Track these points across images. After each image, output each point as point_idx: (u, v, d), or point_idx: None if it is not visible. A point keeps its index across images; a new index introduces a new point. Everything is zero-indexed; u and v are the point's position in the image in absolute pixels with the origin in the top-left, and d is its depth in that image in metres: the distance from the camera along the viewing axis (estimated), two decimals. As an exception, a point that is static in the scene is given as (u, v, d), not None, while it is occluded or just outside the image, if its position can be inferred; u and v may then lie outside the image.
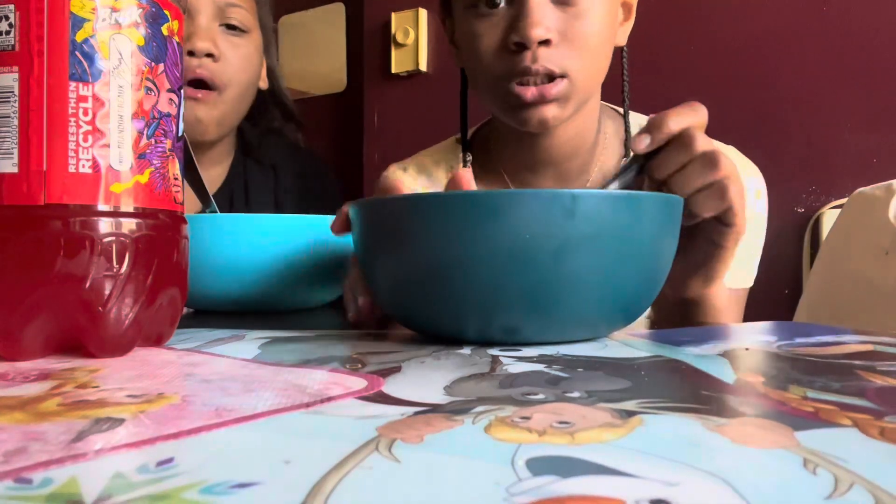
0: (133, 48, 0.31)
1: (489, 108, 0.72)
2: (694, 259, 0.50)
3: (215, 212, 0.59)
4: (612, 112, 0.80)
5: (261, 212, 0.88)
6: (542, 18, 0.62)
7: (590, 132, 0.74)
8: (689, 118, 0.46)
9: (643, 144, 0.46)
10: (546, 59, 0.63)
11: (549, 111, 0.65)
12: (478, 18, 0.66)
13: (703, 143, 0.45)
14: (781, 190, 0.45)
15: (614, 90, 0.75)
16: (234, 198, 0.89)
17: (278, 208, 0.92)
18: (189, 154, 0.55)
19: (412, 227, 0.32)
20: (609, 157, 0.76)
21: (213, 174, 0.88)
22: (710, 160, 0.44)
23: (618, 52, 0.72)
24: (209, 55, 0.78)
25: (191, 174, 0.56)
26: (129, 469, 0.15)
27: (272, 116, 0.94)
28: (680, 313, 0.54)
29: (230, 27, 0.81)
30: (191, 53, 0.77)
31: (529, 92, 0.64)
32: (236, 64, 0.81)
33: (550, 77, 0.63)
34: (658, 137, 0.45)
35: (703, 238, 0.48)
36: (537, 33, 0.62)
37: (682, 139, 0.45)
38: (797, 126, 1.20)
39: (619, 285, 0.33)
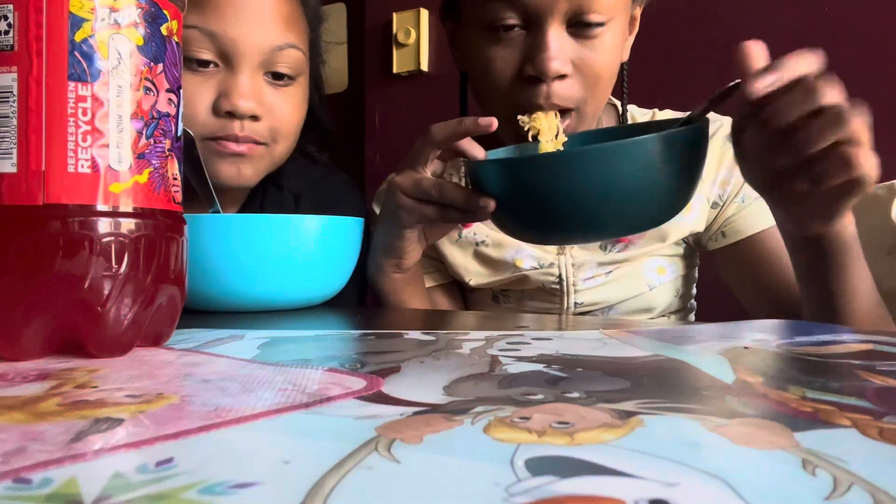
0: (132, 48, 0.31)
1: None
2: (812, 205, 0.46)
3: (219, 212, 0.59)
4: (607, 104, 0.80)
5: None
6: (560, 51, 0.60)
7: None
8: (812, 63, 0.40)
9: (761, 84, 0.39)
10: (559, 96, 0.61)
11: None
12: (491, 41, 0.63)
13: (831, 94, 0.39)
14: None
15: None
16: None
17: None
18: (197, 154, 0.55)
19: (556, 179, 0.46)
20: None
21: (239, 194, 0.77)
22: (837, 117, 0.39)
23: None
24: (253, 116, 0.65)
25: (198, 175, 0.56)
26: (129, 469, 0.15)
27: (307, 140, 0.79)
28: (806, 250, 0.52)
29: (278, 76, 0.66)
30: (230, 114, 0.64)
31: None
32: (287, 115, 0.68)
33: (560, 110, 0.62)
34: (780, 79, 0.40)
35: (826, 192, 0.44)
36: (555, 67, 0.60)
37: (804, 86, 0.40)
38: (797, 126, 1.19)
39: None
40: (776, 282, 0.69)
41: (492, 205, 0.50)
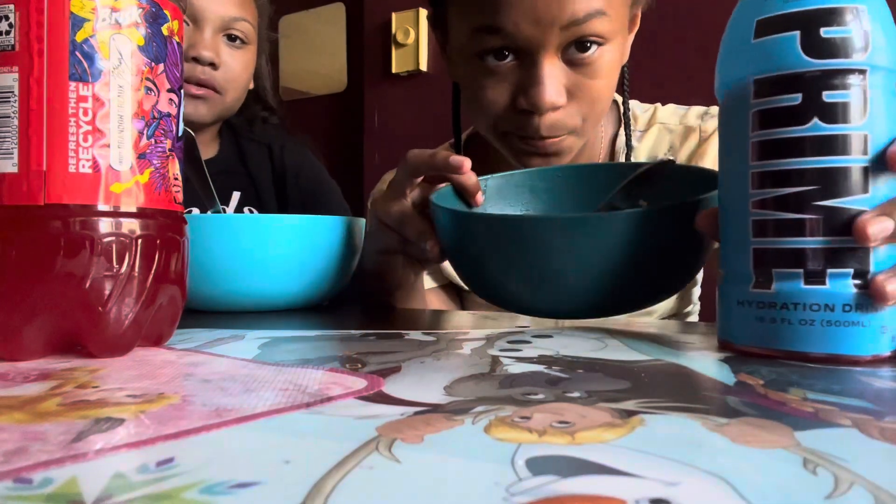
0: (133, 48, 0.31)
1: (486, 138, 0.69)
2: None
3: (219, 212, 0.59)
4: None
5: (261, 186, 0.94)
6: (555, 83, 0.57)
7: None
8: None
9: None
10: (554, 126, 0.59)
11: (553, 160, 0.63)
12: (481, 70, 0.60)
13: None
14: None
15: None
16: (231, 173, 0.93)
17: (276, 183, 0.96)
18: (198, 155, 0.55)
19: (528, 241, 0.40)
20: (602, 152, 0.76)
21: (208, 140, 0.95)
22: None
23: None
24: (211, 64, 0.85)
25: (198, 175, 0.56)
26: (129, 469, 0.15)
27: (255, 109, 1.02)
28: None
29: (232, 38, 0.87)
30: (195, 59, 0.85)
31: (533, 146, 0.61)
32: (236, 71, 0.88)
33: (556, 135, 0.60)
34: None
35: None
36: (550, 101, 0.57)
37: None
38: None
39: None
40: None
41: (435, 250, 0.48)
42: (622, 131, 0.74)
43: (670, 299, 0.75)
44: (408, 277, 0.59)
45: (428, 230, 0.50)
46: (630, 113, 0.74)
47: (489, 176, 0.56)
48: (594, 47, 0.58)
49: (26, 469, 0.15)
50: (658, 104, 0.78)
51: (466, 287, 0.51)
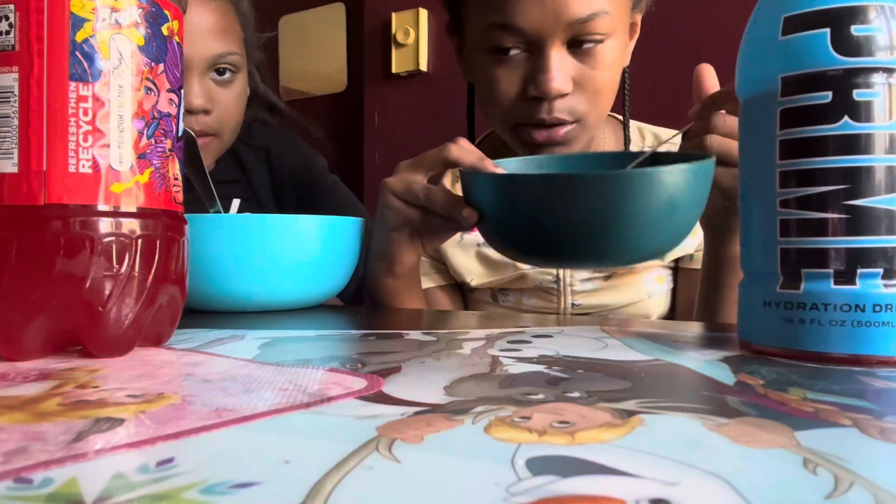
0: (133, 48, 0.31)
1: (498, 132, 0.74)
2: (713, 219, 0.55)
3: (220, 212, 0.59)
4: (610, 118, 0.81)
5: (260, 194, 0.93)
6: (561, 72, 0.63)
7: (593, 140, 0.77)
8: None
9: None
10: (561, 110, 0.65)
11: (559, 150, 0.68)
12: (494, 62, 0.66)
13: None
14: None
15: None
16: (231, 183, 0.90)
17: (276, 192, 0.94)
18: (197, 154, 0.55)
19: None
20: None
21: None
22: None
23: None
24: (204, 111, 0.80)
25: (199, 175, 0.56)
26: (129, 469, 0.15)
27: (255, 110, 0.97)
28: (727, 265, 0.60)
29: (221, 72, 0.82)
30: (186, 111, 0.78)
31: (541, 136, 0.66)
32: (230, 107, 0.84)
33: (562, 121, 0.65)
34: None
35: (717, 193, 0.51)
36: (556, 88, 0.63)
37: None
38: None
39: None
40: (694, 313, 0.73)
41: (474, 217, 0.50)
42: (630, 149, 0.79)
43: (667, 305, 0.77)
44: (412, 257, 0.62)
45: (460, 200, 0.52)
46: (637, 129, 0.79)
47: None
48: (597, 42, 0.64)
49: (26, 469, 0.15)
50: (658, 127, 0.82)
51: (501, 253, 0.53)
